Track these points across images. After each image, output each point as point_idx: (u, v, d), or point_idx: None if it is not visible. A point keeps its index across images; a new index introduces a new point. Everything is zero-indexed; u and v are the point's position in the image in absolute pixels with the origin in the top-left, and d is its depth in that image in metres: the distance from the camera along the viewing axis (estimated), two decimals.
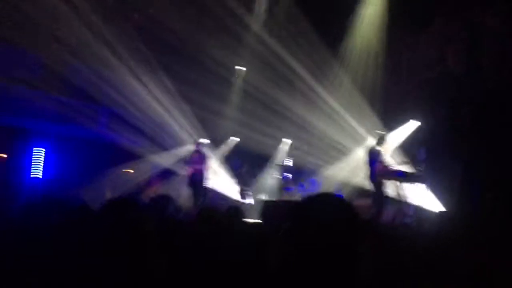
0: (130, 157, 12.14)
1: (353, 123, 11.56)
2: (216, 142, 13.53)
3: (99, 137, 11.80)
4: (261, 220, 6.99)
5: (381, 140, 8.17)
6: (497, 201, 8.00)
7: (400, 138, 11.01)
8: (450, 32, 10.78)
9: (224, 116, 13.73)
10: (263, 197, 12.25)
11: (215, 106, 13.09)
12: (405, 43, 11.52)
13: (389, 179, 7.87)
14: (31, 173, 11.22)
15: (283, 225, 1.46)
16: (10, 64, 10.39)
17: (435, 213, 7.74)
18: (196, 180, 9.92)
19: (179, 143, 12.72)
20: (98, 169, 11.05)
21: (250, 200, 12.39)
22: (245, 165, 13.02)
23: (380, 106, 11.27)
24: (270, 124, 12.93)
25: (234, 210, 3.27)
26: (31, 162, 11.26)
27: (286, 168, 12.05)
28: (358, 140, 11.38)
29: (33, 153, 11.31)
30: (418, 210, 7.87)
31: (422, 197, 7.86)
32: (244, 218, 3.48)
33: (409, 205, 7.75)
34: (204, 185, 10.14)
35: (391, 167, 7.94)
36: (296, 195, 11.11)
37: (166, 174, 12.39)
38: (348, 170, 11.37)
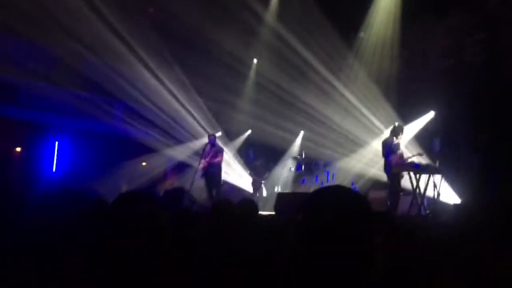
0: (145, 150, 12.24)
1: (368, 115, 11.48)
2: (231, 135, 13.56)
3: (115, 130, 11.90)
4: (275, 212, 7.01)
5: (396, 132, 8.09)
6: None
7: (415, 129, 10.92)
8: (468, 22, 10.62)
9: (239, 109, 13.73)
10: (277, 189, 12.26)
11: (230, 99, 13.10)
12: (421, 33, 11.37)
13: (405, 171, 7.81)
14: (49, 167, 11.37)
15: (296, 217, 1.46)
16: (27, 58, 10.52)
17: (451, 205, 7.67)
18: (211, 173, 9.96)
19: (193, 136, 12.78)
20: (113, 163, 11.16)
21: (264, 193, 12.41)
22: (260, 157, 13.03)
23: (396, 97, 11.17)
24: (285, 116, 12.90)
25: (248, 202, 3.28)
26: (48, 155, 11.41)
27: (300, 161, 12.03)
28: (373, 132, 11.31)
29: (50, 147, 11.45)
30: (434, 202, 7.80)
31: (438, 189, 7.78)
32: (258, 210, 3.48)
33: (424, 197, 7.68)
34: (218, 178, 10.17)
35: (406, 159, 7.87)
36: (311, 187, 11.09)
37: (181, 167, 12.47)
38: (363, 162, 11.31)
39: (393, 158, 7.81)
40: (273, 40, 12.85)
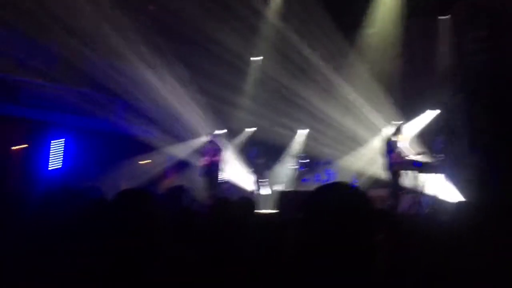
0: (146, 148, 12.24)
1: (370, 113, 11.47)
2: (232, 133, 13.55)
3: (116, 129, 11.89)
4: (276, 210, 7.01)
5: (397, 130, 8.09)
6: None
7: (417, 127, 10.91)
8: (470, 20, 10.61)
9: (240, 106, 13.72)
10: (279, 187, 12.26)
11: (231, 97, 13.09)
12: (423, 31, 11.36)
13: (406, 169, 7.81)
14: (50, 165, 11.37)
15: (297, 215, 1.46)
16: (27, 56, 10.51)
17: (451, 203, 7.67)
18: (211, 171, 9.95)
19: (194, 134, 12.78)
20: (114, 161, 11.16)
21: (266, 191, 12.41)
22: (261, 155, 13.02)
23: (398, 95, 11.16)
24: (287, 114, 12.89)
25: (245, 201, 3.27)
26: (50, 153, 11.41)
27: (302, 159, 12.03)
28: (375, 130, 11.30)
29: (52, 145, 11.45)
30: (435, 200, 7.80)
31: (439, 187, 7.78)
32: (255, 209, 3.47)
33: (425, 195, 7.68)
34: (219, 176, 10.17)
35: (407, 157, 7.87)
36: (312, 185, 11.09)
37: (182, 165, 12.47)
38: (365, 161, 11.30)
39: (394, 156, 7.80)
40: (275, 37, 12.84)
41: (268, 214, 6.48)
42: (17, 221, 3.03)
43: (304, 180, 11.89)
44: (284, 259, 1.86)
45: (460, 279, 2.22)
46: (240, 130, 14.11)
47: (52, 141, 11.47)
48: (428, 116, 10.87)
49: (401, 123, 8.31)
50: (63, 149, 11.60)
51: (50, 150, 11.43)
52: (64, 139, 11.63)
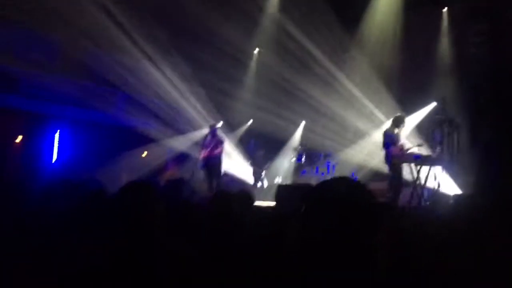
0: (146, 140, 12.24)
1: (370, 105, 11.47)
2: (232, 126, 13.54)
3: (116, 121, 11.89)
4: (275, 203, 7.00)
5: (397, 123, 8.08)
6: None
7: (417, 120, 10.90)
8: (470, 12, 10.57)
9: (240, 99, 13.70)
10: (278, 180, 12.27)
11: (231, 89, 13.07)
12: (423, 24, 11.31)
13: (405, 162, 7.81)
14: (50, 157, 11.38)
15: (299, 208, 1.45)
16: (28, 48, 10.48)
17: (452, 196, 7.67)
18: (211, 163, 9.95)
19: (194, 126, 12.77)
20: (114, 153, 11.16)
21: (265, 183, 12.42)
22: (260, 148, 13.02)
23: (398, 88, 11.14)
24: (286, 107, 12.88)
25: (245, 194, 3.28)
26: (49, 146, 11.41)
27: (301, 151, 12.03)
28: (375, 123, 11.29)
29: (51, 137, 11.45)
30: (435, 193, 7.80)
31: (439, 180, 7.78)
32: (254, 202, 3.48)
33: (425, 188, 7.69)
34: (218, 169, 10.17)
35: (407, 150, 7.86)
36: (311, 178, 11.10)
37: (182, 157, 12.47)
38: (364, 154, 11.30)
39: (394, 149, 7.80)
40: (275, 30, 12.80)
41: (267, 207, 6.47)
42: (17, 212, 3.03)
43: (303, 172, 11.91)
44: (284, 253, 1.86)
45: (460, 275, 2.22)
46: (240, 123, 14.10)
47: (51, 133, 11.47)
48: (428, 108, 10.85)
49: (401, 116, 8.29)
50: (63, 141, 11.60)
51: (50, 142, 11.44)
52: (64, 131, 11.63)
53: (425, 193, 7.73)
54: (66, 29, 10.16)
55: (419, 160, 7.59)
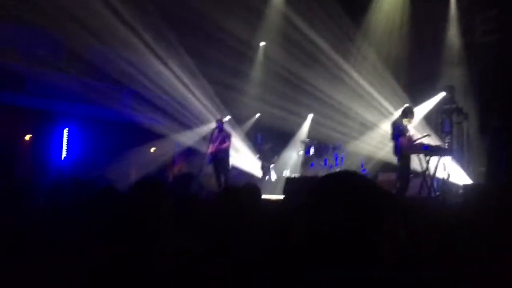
0: (154, 136, 12.28)
1: (378, 97, 11.40)
2: (239, 120, 13.54)
3: (123, 117, 11.93)
4: (283, 196, 7.00)
5: (405, 114, 8.02)
6: None
7: (426, 110, 10.83)
8: (479, 0, 10.47)
9: (247, 93, 13.69)
10: (286, 173, 12.27)
11: (238, 83, 13.06)
12: (431, 12, 11.20)
13: (415, 152, 7.76)
14: (59, 154, 11.46)
15: (304, 202, 1.44)
16: (33, 46, 10.53)
17: (461, 186, 7.63)
18: (219, 158, 9.96)
19: (201, 121, 12.78)
20: (122, 149, 11.21)
21: (273, 176, 12.42)
22: (268, 141, 13.02)
23: (406, 78, 11.07)
24: (293, 100, 12.85)
25: (252, 188, 3.27)
26: (58, 143, 11.49)
27: (309, 144, 12.01)
28: (383, 114, 11.24)
29: (59, 135, 11.52)
30: (444, 183, 7.76)
31: (449, 170, 7.74)
32: (261, 195, 3.47)
33: (434, 178, 7.64)
34: (226, 163, 10.18)
35: (415, 141, 7.81)
36: (320, 171, 11.08)
37: (189, 152, 12.50)
38: (373, 145, 11.26)
39: (402, 140, 7.74)
40: (281, 23, 12.75)
41: (276, 201, 6.47)
42: (26, 210, 3.05)
43: (312, 165, 11.89)
44: (291, 248, 1.86)
45: (469, 265, 2.20)
46: (247, 117, 14.09)
47: (60, 131, 11.54)
48: (437, 98, 10.76)
49: (409, 106, 8.23)
50: (71, 138, 11.67)
51: (58, 139, 11.51)
52: (72, 129, 11.70)
53: (435, 184, 7.69)
54: (72, 27, 10.18)
55: (428, 150, 7.53)
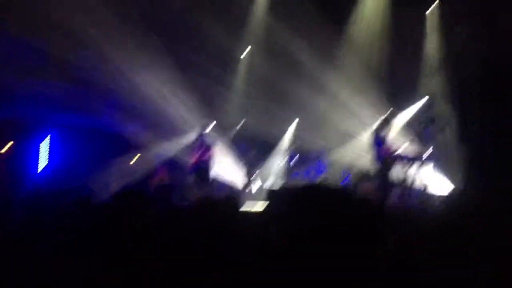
0: (135, 146, 12.17)
1: (360, 104, 11.49)
2: (222, 128, 13.51)
3: (104, 127, 11.81)
4: (265, 206, 7.00)
5: (385, 122, 8.10)
6: (505, 179, 7.96)
7: (407, 117, 10.95)
8: (460, 9, 10.64)
9: (230, 101, 13.68)
10: (271, 181, 12.27)
11: (220, 92, 13.05)
12: (412, 20, 11.36)
13: (395, 161, 7.83)
14: (38, 164, 11.28)
15: (281, 213, 1.45)
16: (12, 54, 10.39)
17: (442, 193, 7.71)
18: (201, 168, 9.92)
19: (184, 131, 12.71)
20: (104, 159, 11.09)
21: (257, 185, 12.40)
22: (252, 150, 13.01)
23: (387, 86, 11.19)
24: (277, 108, 12.87)
25: (230, 200, 3.27)
26: (37, 152, 11.32)
27: (293, 152, 12.04)
28: (365, 122, 11.32)
29: (39, 144, 11.36)
30: (424, 192, 7.84)
31: (429, 178, 7.82)
32: (240, 207, 3.47)
33: (415, 187, 7.71)
34: (208, 173, 10.13)
35: (395, 150, 7.89)
36: (303, 179, 11.11)
37: (172, 162, 12.41)
38: (355, 153, 11.33)
39: (383, 149, 7.82)
40: (263, 31, 12.80)
41: (254, 212, 6.45)
42: (6, 221, 3.01)
43: (295, 174, 11.91)
44: (269, 254, 1.86)
45: (448, 271, 2.23)
46: (231, 125, 14.07)
47: (39, 140, 11.38)
48: (418, 106, 10.90)
49: (389, 115, 8.31)
50: (51, 147, 11.52)
51: (37, 148, 11.35)
52: (52, 137, 11.55)
53: (415, 192, 7.76)
54: (53, 35, 10.08)
55: (408, 159, 7.61)
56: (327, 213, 1.42)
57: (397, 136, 9.18)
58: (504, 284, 2.17)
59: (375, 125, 9.15)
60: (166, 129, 12.57)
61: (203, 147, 10.00)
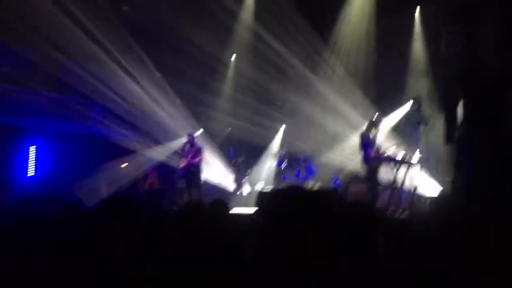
0: (124, 152, 12.11)
1: (347, 108, 11.57)
2: (211, 133, 13.52)
3: (92, 133, 11.75)
4: (256, 209, 7.01)
5: (373, 125, 8.16)
6: (493, 181, 8.03)
7: (394, 120, 11.03)
8: (444, 12, 10.76)
9: (218, 107, 13.70)
10: (260, 186, 12.28)
11: (208, 98, 13.07)
12: (397, 26, 11.48)
13: (383, 163, 7.89)
14: (25, 171, 11.18)
15: (258, 217, 1.47)
16: (1, 61, 10.31)
17: (430, 196, 7.78)
18: (191, 172, 9.91)
19: (173, 136, 12.69)
20: (92, 165, 11.02)
21: (246, 190, 12.41)
22: (241, 154, 13.02)
23: (374, 89, 11.28)
24: (265, 113, 12.94)
25: (219, 203, 3.28)
26: (24, 160, 11.21)
27: (282, 156, 12.07)
28: (352, 125, 11.39)
29: (26, 152, 11.25)
30: (413, 194, 7.89)
31: (417, 181, 7.87)
32: (229, 210, 3.48)
33: (403, 189, 7.77)
34: (198, 178, 10.13)
35: (383, 152, 7.95)
36: (292, 183, 11.12)
37: (161, 167, 12.37)
38: (344, 156, 11.40)
39: (371, 151, 7.87)
40: (250, 38, 12.86)
41: (245, 215, 6.46)
42: None
43: (284, 178, 11.93)
44: (246, 257, 1.87)
45: (437, 274, 2.25)
46: (219, 130, 14.08)
47: (27, 147, 11.27)
48: (404, 109, 10.99)
49: (377, 117, 8.38)
50: (39, 155, 11.42)
51: (25, 156, 11.24)
52: (40, 145, 11.45)
53: (403, 194, 7.81)
54: (39, 43, 10.02)
55: (396, 161, 7.67)
56: (316, 215, 1.44)
57: (385, 139, 9.25)
58: (492, 285, 2.20)
59: (363, 128, 9.23)
60: (156, 134, 12.56)
61: (192, 152, 10.00)
